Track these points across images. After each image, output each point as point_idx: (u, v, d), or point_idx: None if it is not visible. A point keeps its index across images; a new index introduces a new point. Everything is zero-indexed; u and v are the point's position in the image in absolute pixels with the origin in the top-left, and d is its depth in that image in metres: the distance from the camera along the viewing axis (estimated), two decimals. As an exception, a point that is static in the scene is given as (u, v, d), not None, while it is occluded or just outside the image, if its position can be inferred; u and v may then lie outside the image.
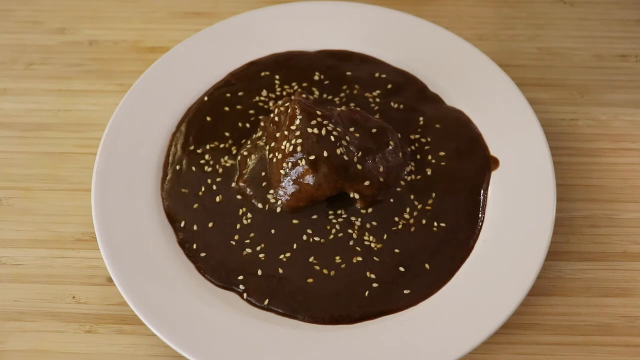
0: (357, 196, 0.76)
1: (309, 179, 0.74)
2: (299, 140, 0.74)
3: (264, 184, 0.78)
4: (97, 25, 0.99)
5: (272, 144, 0.79)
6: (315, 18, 0.93)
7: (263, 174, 0.78)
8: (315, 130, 0.75)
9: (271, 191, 0.77)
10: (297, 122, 0.76)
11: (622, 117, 0.89)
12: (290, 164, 0.75)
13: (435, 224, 0.76)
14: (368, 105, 0.85)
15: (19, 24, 0.99)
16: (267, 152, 0.79)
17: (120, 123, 0.81)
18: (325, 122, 0.76)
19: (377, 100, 0.86)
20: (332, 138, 0.75)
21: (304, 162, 0.74)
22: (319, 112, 0.76)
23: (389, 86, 0.87)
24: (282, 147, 0.76)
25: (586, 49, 0.96)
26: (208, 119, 0.84)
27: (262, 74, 0.88)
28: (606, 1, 1.00)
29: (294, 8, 0.94)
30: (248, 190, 0.78)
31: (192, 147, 0.82)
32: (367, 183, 0.76)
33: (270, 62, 0.90)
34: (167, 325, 0.67)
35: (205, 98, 0.86)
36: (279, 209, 0.77)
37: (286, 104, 0.80)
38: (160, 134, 0.82)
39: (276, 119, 0.79)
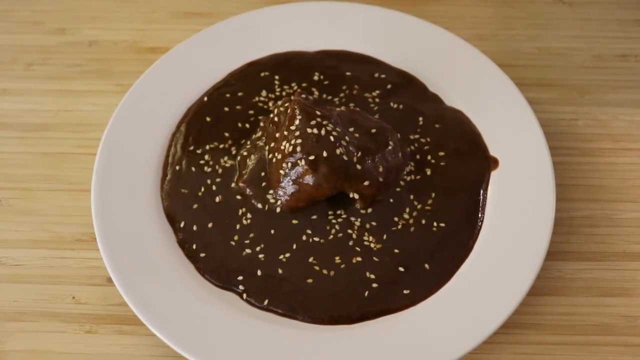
0: (356, 196, 0.76)
1: (309, 179, 0.74)
2: (299, 141, 0.74)
3: (263, 184, 0.77)
4: (97, 26, 0.99)
5: (272, 144, 0.78)
6: (315, 18, 0.93)
7: (263, 174, 0.78)
8: (315, 131, 0.74)
9: (271, 191, 0.77)
10: (297, 122, 0.75)
11: (622, 117, 0.89)
12: (289, 164, 0.75)
13: (435, 224, 0.76)
14: (367, 105, 0.85)
15: (19, 24, 0.99)
16: (266, 153, 0.79)
17: (119, 123, 0.81)
18: (324, 122, 0.76)
19: (377, 100, 0.86)
20: (332, 138, 0.74)
21: (303, 162, 0.74)
22: (318, 113, 0.76)
23: (389, 86, 0.87)
24: (282, 147, 0.76)
25: (586, 49, 0.96)
26: (208, 119, 0.84)
27: (262, 74, 0.88)
28: (606, 1, 1.00)
29: (293, 8, 0.93)
30: (248, 190, 0.77)
31: (191, 148, 0.82)
32: (366, 183, 0.76)
33: (270, 62, 0.90)
34: (167, 326, 0.67)
35: (205, 98, 0.86)
36: (278, 209, 0.76)
37: (286, 104, 0.79)
38: (160, 134, 0.82)
39: (276, 119, 0.79)
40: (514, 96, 0.83)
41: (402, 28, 0.91)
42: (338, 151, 0.74)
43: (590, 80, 0.92)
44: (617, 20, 0.98)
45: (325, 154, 0.74)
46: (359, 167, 0.75)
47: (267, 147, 0.79)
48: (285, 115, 0.78)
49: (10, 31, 0.99)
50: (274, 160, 0.77)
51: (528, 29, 0.98)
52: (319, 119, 0.75)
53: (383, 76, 0.88)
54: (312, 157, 0.74)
